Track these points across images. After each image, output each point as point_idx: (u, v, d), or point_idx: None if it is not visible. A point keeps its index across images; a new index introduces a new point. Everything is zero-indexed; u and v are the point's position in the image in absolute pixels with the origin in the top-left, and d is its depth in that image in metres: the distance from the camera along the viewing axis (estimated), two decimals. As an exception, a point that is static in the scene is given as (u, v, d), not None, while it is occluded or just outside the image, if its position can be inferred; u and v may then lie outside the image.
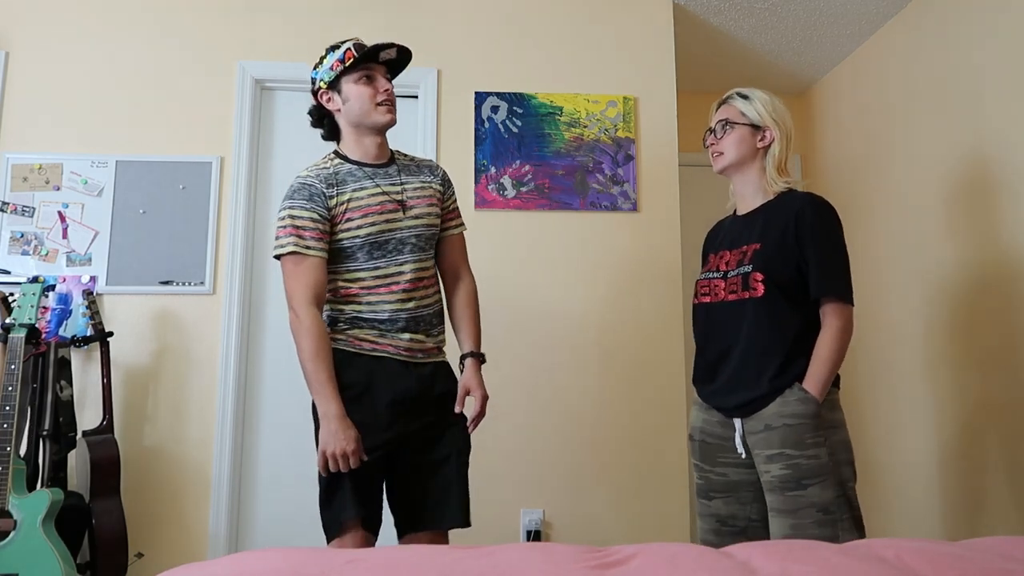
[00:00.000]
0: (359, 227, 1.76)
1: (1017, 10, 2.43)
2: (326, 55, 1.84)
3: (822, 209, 1.81)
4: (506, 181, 2.90)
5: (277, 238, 1.76)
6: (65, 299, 2.63)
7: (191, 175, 2.79)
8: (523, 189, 2.90)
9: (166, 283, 2.74)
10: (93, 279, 2.71)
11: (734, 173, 1.93)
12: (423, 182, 1.89)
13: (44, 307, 2.59)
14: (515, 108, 2.94)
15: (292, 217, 1.74)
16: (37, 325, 2.33)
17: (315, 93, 1.85)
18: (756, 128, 1.88)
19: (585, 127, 2.95)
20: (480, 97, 2.93)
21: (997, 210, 2.51)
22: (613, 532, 2.74)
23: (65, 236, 2.74)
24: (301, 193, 1.76)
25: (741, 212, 1.95)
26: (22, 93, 2.80)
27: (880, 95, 3.23)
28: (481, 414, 1.85)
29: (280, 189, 2.88)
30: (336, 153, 1.86)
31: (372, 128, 1.83)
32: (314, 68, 1.86)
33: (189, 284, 2.74)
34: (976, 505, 2.58)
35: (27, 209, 2.74)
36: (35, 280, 2.43)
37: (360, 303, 1.78)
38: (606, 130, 2.96)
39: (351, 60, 1.77)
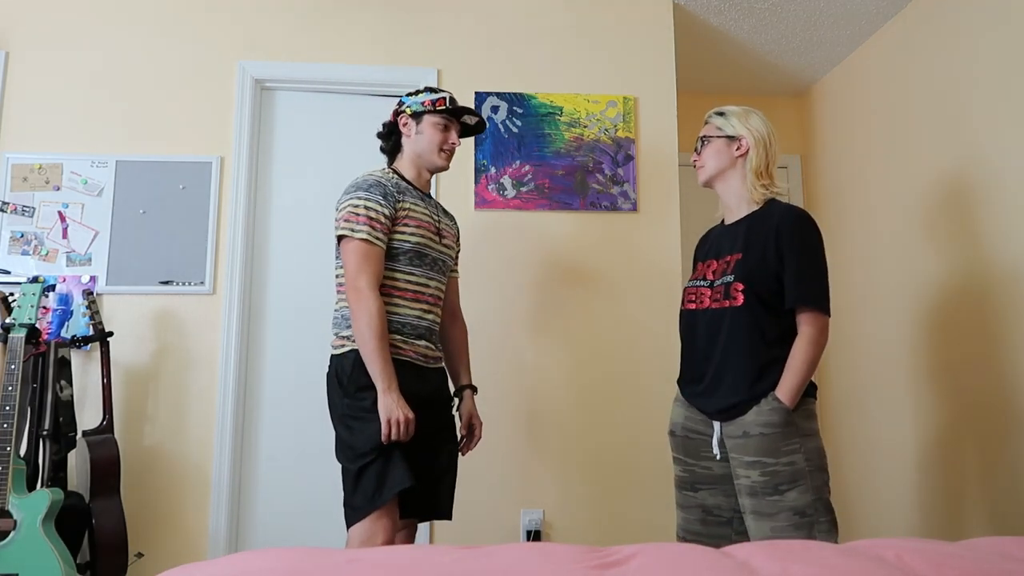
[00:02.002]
0: (412, 234, 1.95)
1: (1016, 11, 2.43)
2: (423, 91, 2.07)
3: (801, 221, 1.86)
4: (506, 181, 2.90)
5: (347, 221, 1.90)
6: (65, 299, 2.63)
7: (191, 175, 2.79)
8: (523, 189, 2.90)
9: (166, 283, 2.74)
10: (93, 279, 2.71)
11: (717, 183, 2.01)
12: (449, 223, 2.14)
13: (45, 307, 2.60)
14: (515, 108, 2.94)
15: (367, 208, 1.90)
16: (38, 326, 2.33)
17: (397, 113, 2.08)
18: (731, 139, 1.97)
19: (585, 127, 2.95)
20: (480, 97, 2.93)
21: (987, 215, 2.51)
22: (613, 532, 2.74)
23: (65, 236, 2.73)
24: (377, 189, 1.93)
25: (728, 222, 2.01)
26: (22, 93, 2.80)
27: (879, 96, 3.23)
28: (479, 439, 2.16)
29: (280, 189, 2.89)
30: (393, 170, 2.05)
31: (429, 165, 2.07)
32: (407, 95, 2.08)
33: (189, 284, 2.74)
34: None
35: (27, 209, 2.74)
36: (35, 280, 2.43)
37: (387, 303, 1.92)
38: (606, 130, 2.96)
39: (441, 107, 2.03)
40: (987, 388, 2.48)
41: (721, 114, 2.01)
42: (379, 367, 1.81)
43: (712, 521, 1.90)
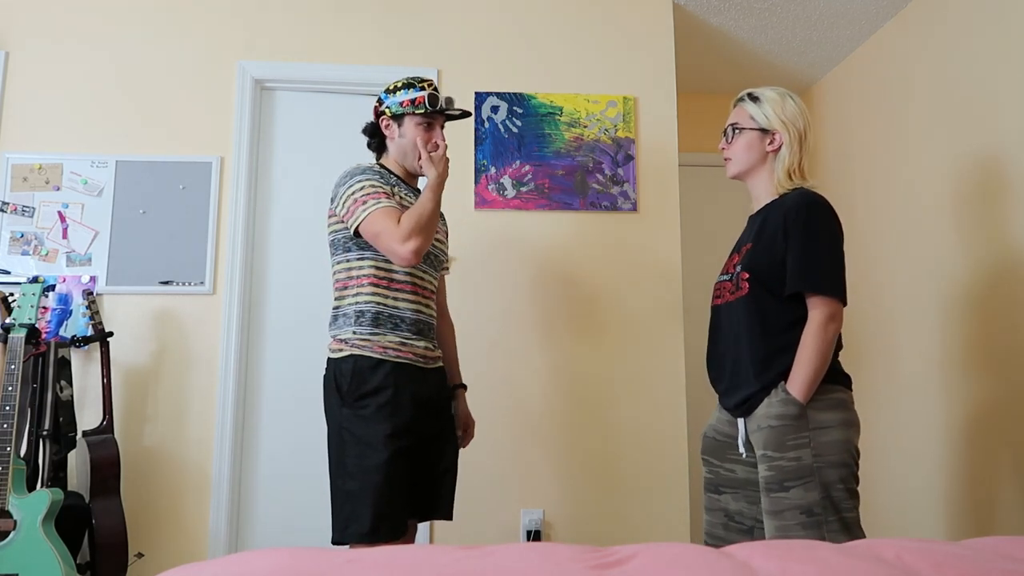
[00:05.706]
0: None
1: (1017, 9, 2.43)
2: (402, 87, 1.97)
3: (811, 205, 1.77)
4: (506, 181, 2.90)
5: (357, 204, 1.85)
6: (65, 299, 2.63)
7: (191, 175, 2.79)
8: (523, 189, 2.90)
9: (166, 283, 2.74)
10: (93, 279, 2.71)
11: (746, 178, 1.92)
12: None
13: (44, 307, 2.60)
14: (515, 108, 2.94)
15: (373, 185, 1.87)
16: (37, 325, 2.33)
17: (378, 113, 2.01)
18: (765, 132, 1.86)
19: (585, 127, 2.95)
20: (480, 97, 2.93)
21: (1001, 209, 2.51)
22: (613, 532, 2.74)
23: (65, 236, 2.73)
24: (372, 171, 1.92)
25: (752, 213, 1.96)
26: (22, 93, 2.80)
27: (880, 95, 3.23)
28: (472, 437, 2.19)
29: (280, 189, 2.89)
30: (381, 166, 2.02)
31: (412, 170, 2.02)
32: (386, 91, 2.00)
33: (189, 284, 2.74)
34: (981, 506, 2.58)
35: (27, 209, 2.74)
36: (35, 280, 2.43)
37: (385, 296, 1.90)
38: (606, 130, 2.96)
39: (420, 106, 1.94)
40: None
41: (756, 99, 1.87)
42: (435, 193, 1.87)
43: (733, 527, 1.83)
